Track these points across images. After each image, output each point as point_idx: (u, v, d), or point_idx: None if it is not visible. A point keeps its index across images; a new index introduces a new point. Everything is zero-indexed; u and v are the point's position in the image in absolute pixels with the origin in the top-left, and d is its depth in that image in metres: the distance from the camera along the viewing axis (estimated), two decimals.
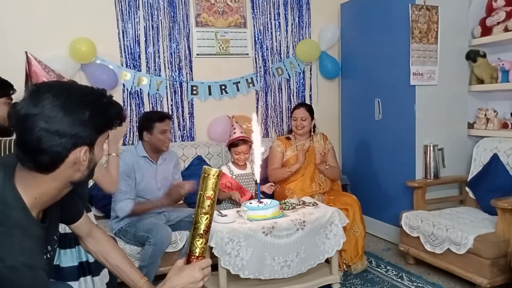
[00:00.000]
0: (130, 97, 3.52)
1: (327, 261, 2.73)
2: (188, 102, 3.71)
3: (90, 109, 1.02)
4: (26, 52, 2.37)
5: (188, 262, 1.14)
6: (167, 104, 3.64)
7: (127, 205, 2.55)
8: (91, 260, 1.89)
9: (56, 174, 1.04)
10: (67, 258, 1.88)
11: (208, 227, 1.13)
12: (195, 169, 3.34)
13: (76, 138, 1.01)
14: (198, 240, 1.13)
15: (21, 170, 1.05)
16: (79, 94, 1.04)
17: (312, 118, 3.27)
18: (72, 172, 1.06)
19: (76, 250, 1.90)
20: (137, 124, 3.53)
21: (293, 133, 3.31)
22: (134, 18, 3.48)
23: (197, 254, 1.13)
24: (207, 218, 1.12)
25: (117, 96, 3.32)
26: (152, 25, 3.56)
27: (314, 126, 3.33)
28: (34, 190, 1.05)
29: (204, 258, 1.15)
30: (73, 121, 1.00)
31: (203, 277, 1.12)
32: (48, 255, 1.17)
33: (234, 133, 3.15)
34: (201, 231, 1.12)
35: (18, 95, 1.05)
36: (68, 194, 1.17)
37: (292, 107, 3.49)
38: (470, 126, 3.49)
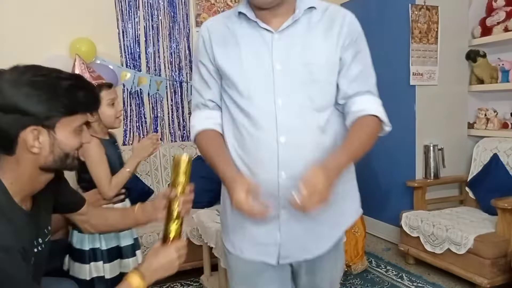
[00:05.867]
0: (130, 97, 3.52)
1: None
2: (188, 102, 3.71)
3: (44, 88, 1.00)
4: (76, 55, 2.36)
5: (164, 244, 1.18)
6: (167, 104, 3.64)
7: None
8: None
9: (18, 157, 1.03)
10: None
11: (181, 210, 1.17)
12: (196, 169, 3.33)
13: (23, 116, 0.99)
14: (172, 224, 1.16)
15: None
16: (36, 73, 1.01)
17: None
18: (33, 156, 1.04)
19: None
20: (136, 123, 3.55)
21: None
22: (134, 18, 3.48)
23: (171, 237, 1.16)
24: (178, 203, 1.16)
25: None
26: (152, 25, 3.56)
27: None
28: (8, 174, 1.05)
29: (180, 239, 1.18)
30: (22, 97, 0.98)
31: (179, 256, 1.16)
32: (39, 248, 1.16)
33: None
34: (174, 216, 1.16)
35: None
36: (61, 187, 1.18)
37: None
38: (470, 126, 3.48)
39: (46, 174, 1.10)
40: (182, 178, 1.18)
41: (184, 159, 1.17)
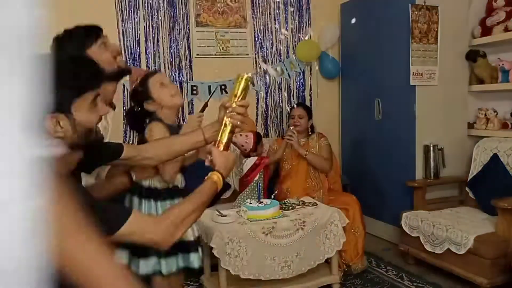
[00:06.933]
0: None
1: (327, 261, 2.73)
2: (188, 102, 3.71)
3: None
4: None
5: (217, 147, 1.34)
6: None
7: None
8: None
9: None
10: None
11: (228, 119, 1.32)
12: (196, 169, 3.33)
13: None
14: (223, 131, 1.33)
15: None
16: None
17: (310, 117, 3.30)
18: (58, 140, 1.07)
19: None
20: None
21: None
22: (134, 18, 3.48)
23: (223, 142, 1.33)
24: (227, 113, 1.32)
25: (118, 96, 3.31)
26: (152, 25, 3.56)
27: (312, 127, 3.35)
28: None
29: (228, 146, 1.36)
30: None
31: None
32: None
33: None
34: (223, 124, 1.33)
35: None
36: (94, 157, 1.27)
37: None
38: (470, 126, 3.48)
39: (74, 153, 1.13)
40: (239, 93, 1.32)
41: (245, 76, 1.32)
